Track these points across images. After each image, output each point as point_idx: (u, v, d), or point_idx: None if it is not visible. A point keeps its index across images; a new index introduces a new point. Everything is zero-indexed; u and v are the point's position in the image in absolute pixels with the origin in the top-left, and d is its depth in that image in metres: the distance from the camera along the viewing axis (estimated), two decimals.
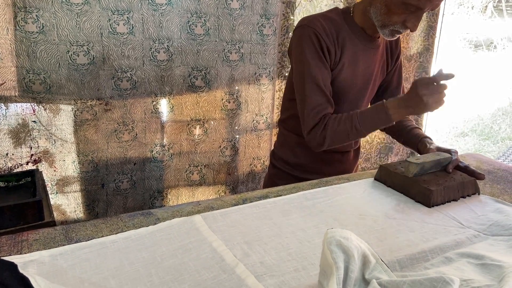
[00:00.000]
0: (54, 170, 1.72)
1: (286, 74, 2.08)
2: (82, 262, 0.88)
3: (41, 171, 1.61)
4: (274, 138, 2.14)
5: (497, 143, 4.56)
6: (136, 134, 1.84)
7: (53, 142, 1.68)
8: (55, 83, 1.63)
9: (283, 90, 2.07)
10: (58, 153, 1.70)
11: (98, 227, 1.00)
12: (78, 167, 1.75)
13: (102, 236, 0.96)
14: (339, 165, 1.49)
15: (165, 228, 1.00)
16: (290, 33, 2.00)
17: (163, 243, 0.94)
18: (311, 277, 0.82)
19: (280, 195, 1.17)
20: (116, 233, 0.97)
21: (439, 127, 4.91)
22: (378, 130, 2.37)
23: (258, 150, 2.19)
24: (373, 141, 2.40)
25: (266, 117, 2.14)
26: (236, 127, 2.09)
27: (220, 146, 2.07)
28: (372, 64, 1.35)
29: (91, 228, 0.99)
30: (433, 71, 2.43)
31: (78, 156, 1.74)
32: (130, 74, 1.74)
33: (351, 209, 1.09)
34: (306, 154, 1.45)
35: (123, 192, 1.89)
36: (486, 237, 0.93)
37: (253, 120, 2.12)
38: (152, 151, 1.90)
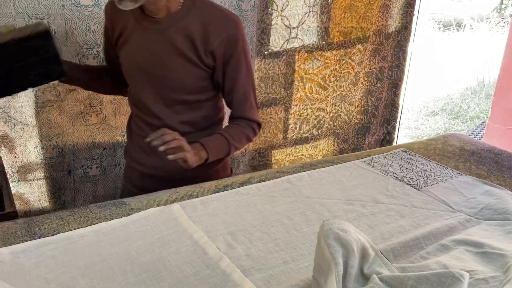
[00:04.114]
0: (15, 156, 1.58)
1: (266, 52, 1.99)
2: (47, 260, 0.79)
3: (0, 157, 1.48)
4: None
5: (466, 122, 4.65)
6: (105, 117, 1.71)
7: (13, 126, 1.54)
8: None
9: (262, 70, 1.98)
10: (19, 137, 1.56)
11: (64, 220, 0.90)
12: (41, 152, 1.62)
13: (70, 230, 0.86)
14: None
15: (140, 219, 0.91)
16: (270, 9, 1.90)
17: (138, 236, 0.86)
18: (301, 270, 0.77)
19: (264, 180, 1.11)
20: (85, 226, 0.88)
21: (410, 106, 4.96)
22: (357, 109, 2.35)
23: None
24: (351, 121, 2.36)
25: None
26: None
27: None
28: (152, 45, 1.15)
29: (57, 221, 0.90)
30: (410, 50, 2.40)
31: (41, 140, 1.61)
32: (97, 51, 1.60)
33: (338, 194, 1.03)
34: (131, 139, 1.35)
35: (92, 179, 1.77)
36: (478, 221, 0.90)
37: None
38: (124, 135, 1.78)
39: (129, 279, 0.74)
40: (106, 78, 1.38)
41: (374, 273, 0.61)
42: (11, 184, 1.60)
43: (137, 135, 1.30)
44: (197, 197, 1.01)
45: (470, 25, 7.46)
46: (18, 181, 1.62)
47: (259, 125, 1.25)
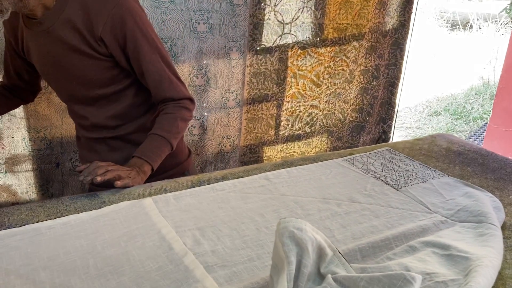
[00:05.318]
0: (2, 148, 1.58)
1: (258, 48, 1.98)
2: (11, 251, 0.78)
3: None
4: (245, 116, 2.05)
5: (469, 123, 4.60)
6: None
7: (0, 117, 1.54)
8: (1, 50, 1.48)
9: (254, 65, 1.97)
10: (6, 129, 1.57)
11: (34, 211, 0.90)
12: (29, 144, 1.62)
13: (38, 221, 0.86)
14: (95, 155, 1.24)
15: (110, 213, 0.90)
16: (262, 3, 1.89)
17: (106, 229, 0.85)
18: (266, 268, 0.76)
19: (241, 177, 1.09)
20: (54, 218, 0.87)
21: (413, 105, 4.91)
22: (352, 107, 2.33)
23: (228, 128, 2.09)
24: (345, 119, 2.34)
25: (236, 94, 2.04)
26: (204, 104, 1.98)
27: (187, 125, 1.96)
28: (46, 47, 1.10)
29: (27, 212, 0.89)
30: (407, 49, 2.37)
31: (28, 132, 1.61)
32: None
33: (315, 192, 1.02)
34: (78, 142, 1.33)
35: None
36: (453, 223, 0.88)
37: (223, 97, 2.02)
38: None
39: (90, 273, 0.74)
40: (4, 98, 1.31)
41: (330, 273, 0.60)
42: None
43: (80, 138, 1.28)
44: (171, 191, 1.00)
45: (478, 25, 7.37)
46: (6, 172, 1.63)
47: (190, 100, 1.16)
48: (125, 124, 1.16)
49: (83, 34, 1.04)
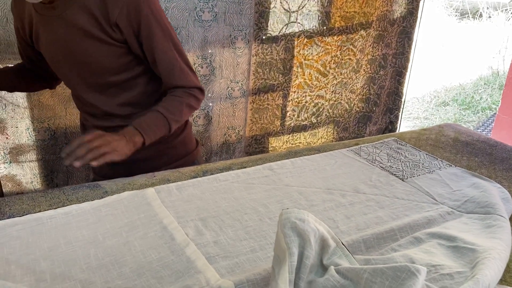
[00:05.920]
0: (6, 138, 1.58)
1: (264, 37, 1.95)
2: (12, 240, 0.78)
3: None
4: (250, 106, 2.04)
5: (477, 113, 4.53)
6: None
7: (4, 107, 1.54)
8: (3, 40, 1.47)
9: (259, 55, 1.94)
10: (10, 118, 1.56)
11: (36, 201, 0.89)
12: (33, 134, 1.62)
13: (40, 211, 0.86)
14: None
15: (112, 203, 0.90)
16: None
17: (108, 219, 0.85)
18: (268, 259, 0.75)
19: (245, 167, 1.08)
20: (55, 208, 0.87)
21: (420, 95, 4.86)
22: (359, 97, 2.30)
23: (233, 119, 2.08)
24: (352, 109, 2.31)
25: (241, 84, 2.02)
26: (209, 95, 1.96)
27: (192, 115, 1.95)
28: (59, 33, 1.09)
29: (28, 202, 0.89)
30: (415, 37, 2.33)
31: (32, 122, 1.60)
32: None
33: (319, 183, 1.00)
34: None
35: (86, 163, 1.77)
36: (460, 214, 0.86)
37: (228, 87, 2.00)
38: None
39: (91, 263, 0.73)
40: (29, 76, 1.29)
41: (332, 265, 0.59)
42: (2, 166, 1.61)
43: (86, 127, 1.26)
44: (174, 181, 0.99)
45: (488, 14, 7.24)
46: (10, 162, 1.63)
47: (200, 90, 1.16)
48: (137, 113, 1.15)
49: (99, 19, 1.03)
